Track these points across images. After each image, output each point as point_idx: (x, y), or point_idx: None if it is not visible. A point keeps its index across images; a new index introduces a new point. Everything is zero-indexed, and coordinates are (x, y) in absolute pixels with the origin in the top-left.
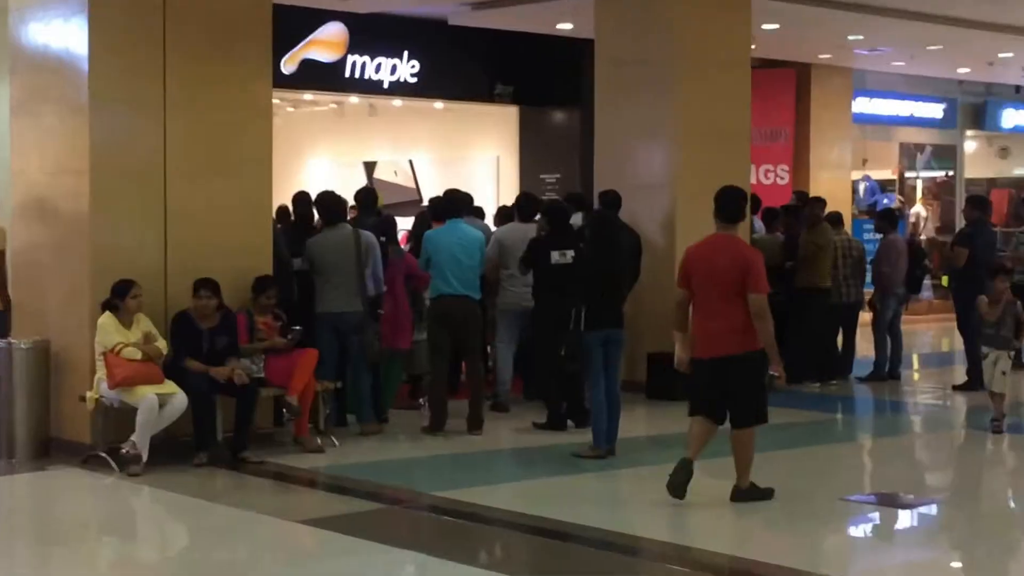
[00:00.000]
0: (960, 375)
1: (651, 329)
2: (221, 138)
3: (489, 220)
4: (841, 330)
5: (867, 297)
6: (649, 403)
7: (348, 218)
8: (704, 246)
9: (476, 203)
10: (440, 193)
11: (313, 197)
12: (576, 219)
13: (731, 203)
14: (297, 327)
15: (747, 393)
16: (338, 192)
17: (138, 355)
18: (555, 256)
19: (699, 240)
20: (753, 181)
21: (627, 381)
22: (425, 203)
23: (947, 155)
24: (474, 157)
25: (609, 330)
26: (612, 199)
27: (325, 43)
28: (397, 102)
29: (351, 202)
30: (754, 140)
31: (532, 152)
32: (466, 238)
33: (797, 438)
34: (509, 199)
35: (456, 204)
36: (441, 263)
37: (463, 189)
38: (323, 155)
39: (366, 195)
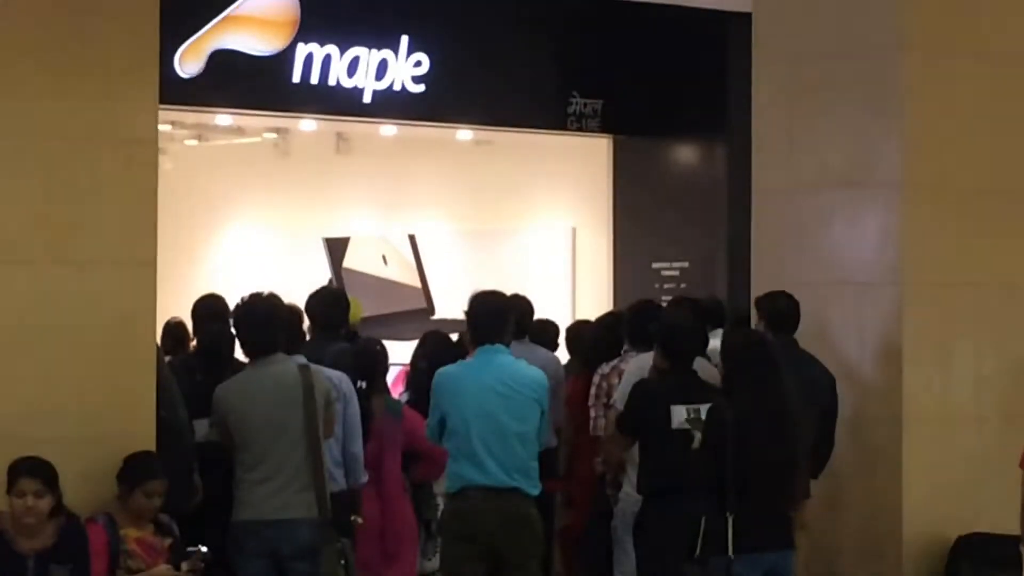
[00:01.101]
0: None
1: (853, 544)
2: (62, 193)
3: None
4: None
5: None
6: None
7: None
8: None
9: (538, 315)
10: (468, 298)
11: (233, 305)
12: (714, 345)
13: None
14: (201, 548)
15: None
16: (277, 296)
17: None
18: (680, 415)
19: None
20: None
21: None
22: (441, 315)
23: None
24: (531, 230)
25: (773, 554)
26: (781, 311)
27: (257, 21)
28: (388, 129)
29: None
30: None
31: (636, 220)
32: (514, 381)
33: None
34: (594, 305)
35: (495, 319)
36: (466, 428)
37: (510, 291)
38: (251, 225)
39: (327, 302)
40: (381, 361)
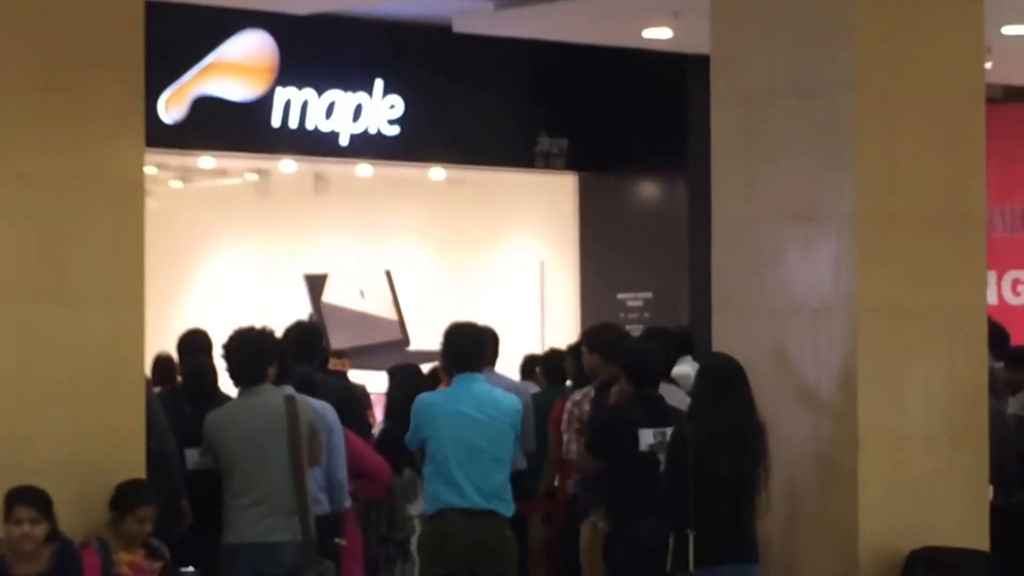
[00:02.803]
0: None
1: (811, 561)
2: (53, 234)
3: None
4: None
5: None
6: None
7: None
8: None
9: (509, 345)
10: (444, 330)
11: (224, 339)
12: (682, 370)
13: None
14: (190, 569)
15: None
16: (265, 330)
17: None
18: (647, 438)
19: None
20: (993, 299)
21: None
22: (416, 347)
23: None
24: (501, 263)
25: (732, 567)
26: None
27: (237, 68)
28: (364, 169)
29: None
30: (995, 229)
31: (602, 252)
32: (491, 407)
33: None
34: (562, 334)
35: (470, 349)
36: (444, 453)
37: (481, 323)
38: (233, 263)
39: (304, 336)
40: (358, 397)
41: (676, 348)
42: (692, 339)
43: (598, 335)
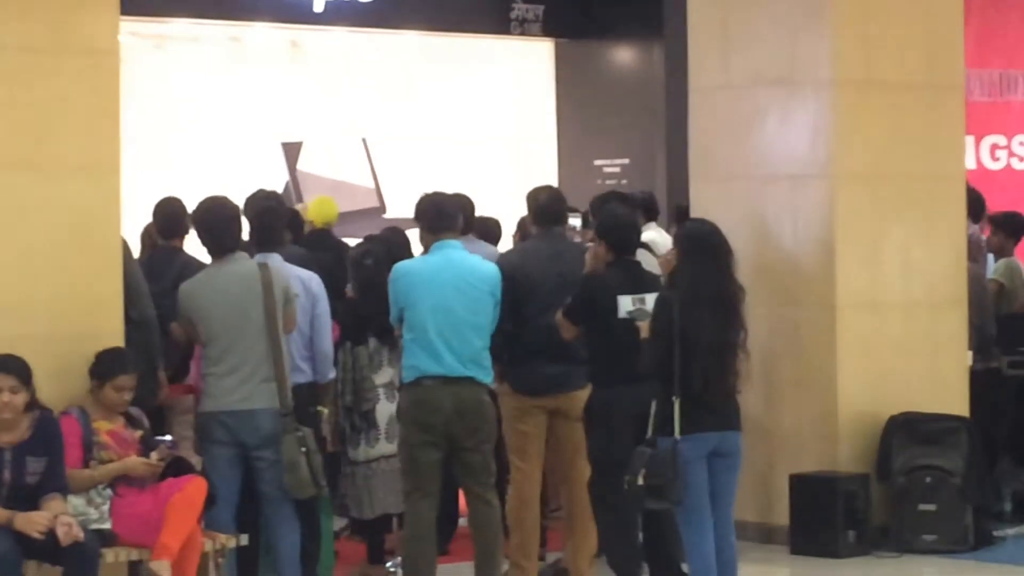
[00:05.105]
0: None
1: (791, 425)
2: (28, 104)
3: (507, 242)
4: None
5: None
6: (795, 561)
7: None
8: None
9: (481, 212)
10: (418, 197)
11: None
12: (649, 236)
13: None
14: (169, 437)
15: None
16: (231, 200)
17: None
18: (626, 305)
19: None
20: (972, 164)
21: (756, 526)
22: (392, 215)
23: None
24: (477, 132)
25: (716, 434)
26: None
27: None
28: (337, 34)
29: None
30: (973, 93)
31: (578, 120)
32: (471, 275)
33: None
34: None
35: (445, 215)
36: (423, 321)
37: (457, 191)
38: (209, 131)
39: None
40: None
41: (642, 214)
42: (656, 205)
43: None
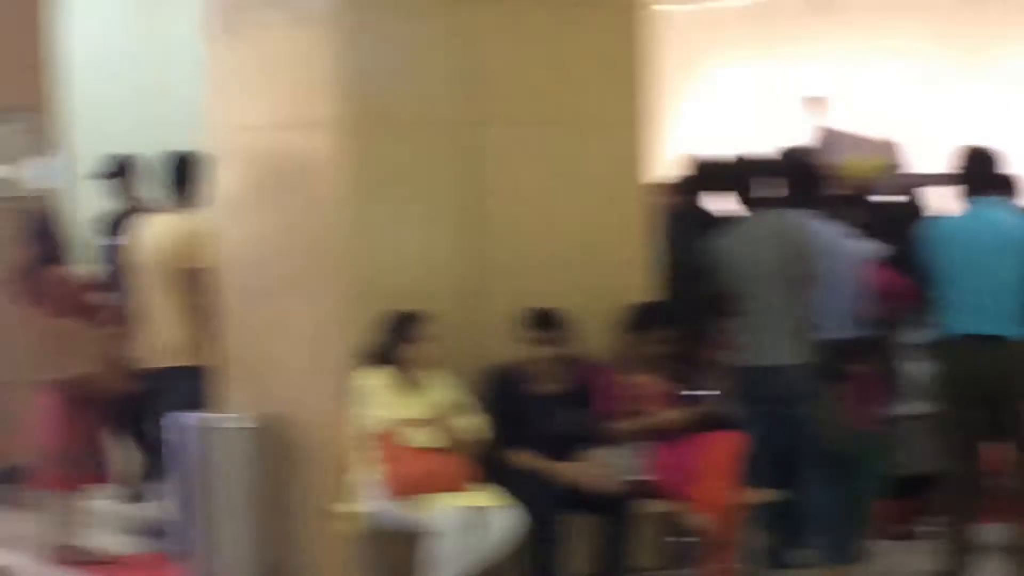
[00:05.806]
0: None
1: None
2: (564, 66)
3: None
4: None
5: None
6: None
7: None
8: None
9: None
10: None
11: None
12: None
13: None
14: (706, 391)
15: None
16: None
17: (433, 442)
18: None
19: None
20: None
21: None
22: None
23: None
24: None
25: None
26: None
27: None
28: None
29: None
30: None
31: None
32: (1003, 234)
33: None
34: None
35: (988, 174)
36: (956, 277)
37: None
38: (724, 86)
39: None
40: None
41: None
42: None
43: None
